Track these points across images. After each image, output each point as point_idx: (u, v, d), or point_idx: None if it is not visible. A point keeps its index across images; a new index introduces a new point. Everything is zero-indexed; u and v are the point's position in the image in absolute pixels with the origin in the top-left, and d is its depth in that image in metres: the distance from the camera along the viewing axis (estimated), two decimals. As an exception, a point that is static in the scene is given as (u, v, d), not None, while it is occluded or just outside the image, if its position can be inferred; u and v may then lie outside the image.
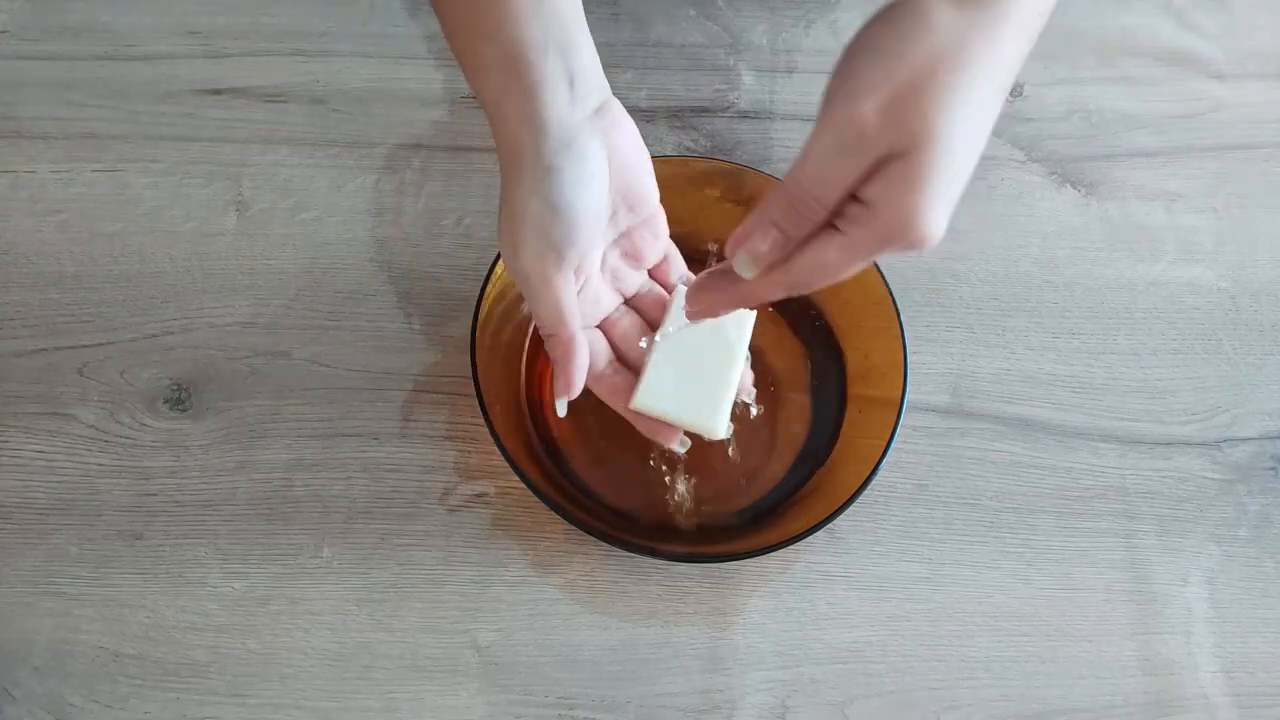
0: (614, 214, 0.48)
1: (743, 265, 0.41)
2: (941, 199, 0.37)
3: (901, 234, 0.37)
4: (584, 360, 0.49)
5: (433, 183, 0.65)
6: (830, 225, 0.39)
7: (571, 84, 0.45)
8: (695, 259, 0.56)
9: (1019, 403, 0.61)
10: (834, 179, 0.37)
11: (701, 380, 0.51)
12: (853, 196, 0.38)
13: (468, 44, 0.46)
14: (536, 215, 0.45)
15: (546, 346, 0.49)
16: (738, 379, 0.52)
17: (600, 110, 0.47)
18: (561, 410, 0.50)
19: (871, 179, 0.37)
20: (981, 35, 0.36)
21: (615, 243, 0.51)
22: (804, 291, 0.42)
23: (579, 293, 0.49)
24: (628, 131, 0.48)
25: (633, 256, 0.52)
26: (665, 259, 0.53)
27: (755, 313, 0.53)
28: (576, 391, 0.49)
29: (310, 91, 0.68)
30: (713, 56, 0.71)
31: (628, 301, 0.53)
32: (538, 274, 0.46)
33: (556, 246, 0.46)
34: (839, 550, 0.57)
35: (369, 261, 0.63)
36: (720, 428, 0.51)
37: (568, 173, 0.45)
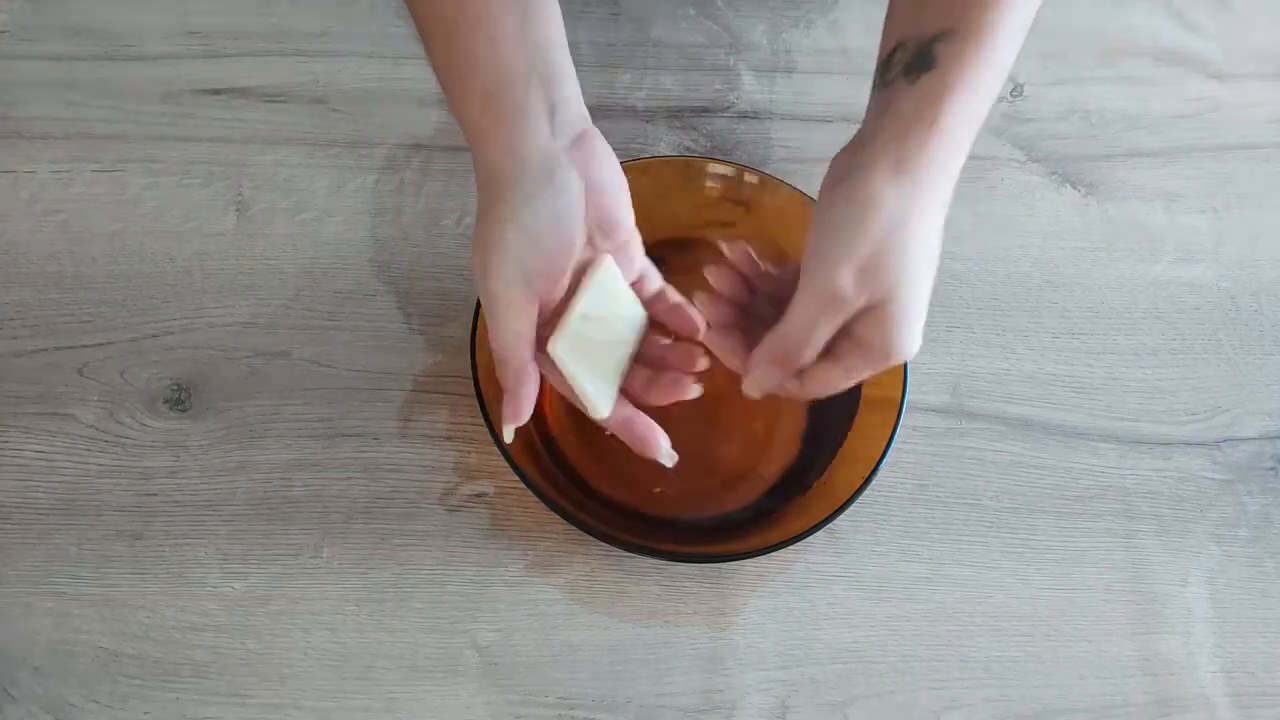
0: (589, 239, 0.49)
1: (751, 388, 0.50)
2: (915, 324, 0.47)
3: (890, 357, 0.47)
4: (534, 388, 0.48)
5: (433, 183, 0.65)
6: (826, 354, 0.48)
7: (552, 114, 0.46)
8: (693, 259, 0.56)
9: (1019, 403, 0.61)
10: (820, 334, 0.47)
11: (611, 353, 0.50)
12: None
13: (448, 64, 0.47)
14: (513, 242, 0.46)
15: (497, 372, 0.49)
16: (628, 362, 0.51)
17: (579, 140, 0.47)
18: (509, 436, 0.49)
19: (858, 321, 0.47)
20: (918, 204, 0.45)
21: None
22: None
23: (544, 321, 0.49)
24: (605, 161, 0.48)
25: None
26: (642, 278, 0.52)
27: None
28: (524, 418, 0.48)
29: (310, 91, 0.68)
30: (712, 56, 0.71)
31: None
32: (504, 299, 0.47)
33: (528, 274, 0.46)
34: (839, 550, 0.57)
35: (369, 261, 0.63)
36: (603, 408, 0.49)
37: (545, 203, 0.46)
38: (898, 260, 0.45)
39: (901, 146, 0.46)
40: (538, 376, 0.49)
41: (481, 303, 0.48)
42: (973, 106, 0.46)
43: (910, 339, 0.47)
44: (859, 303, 0.46)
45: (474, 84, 0.46)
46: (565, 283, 0.48)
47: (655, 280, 0.54)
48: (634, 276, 0.52)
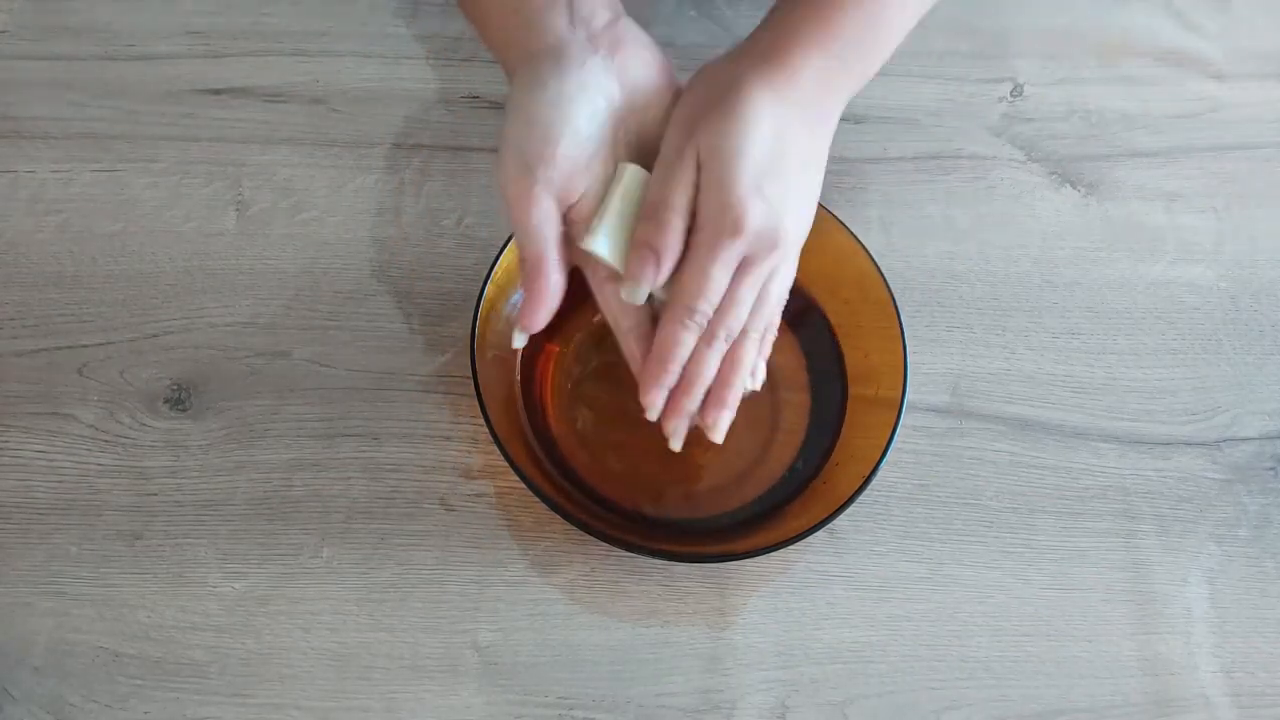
0: (619, 136, 0.48)
1: (632, 294, 0.47)
2: (743, 185, 0.45)
3: (724, 215, 0.45)
4: (553, 290, 0.47)
5: (433, 183, 0.65)
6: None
7: (571, 7, 0.46)
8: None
9: (1019, 403, 0.61)
10: (670, 196, 0.46)
11: None
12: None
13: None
14: (514, 132, 0.46)
15: (520, 273, 0.48)
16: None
17: (605, 28, 0.47)
18: (518, 342, 0.49)
19: (698, 198, 0.46)
20: (754, 77, 0.46)
21: None
22: (726, 329, 0.48)
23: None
24: (637, 52, 0.48)
25: None
26: None
27: None
28: (538, 324, 0.48)
29: (310, 91, 0.68)
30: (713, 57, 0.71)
31: None
32: (512, 191, 0.46)
33: (530, 162, 0.45)
34: (839, 550, 0.57)
35: (369, 261, 0.63)
36: (641, 296, 0.49)
37: (550, 88, 0.45)
38: (722, 122, 0.45)
39: (771, 52, 0.47)
40: (560, 279, 0.47)
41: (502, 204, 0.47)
42: (861, 28, 0.48)
43: (739, 198, 0.45)
44: (686, 161, 0.46)
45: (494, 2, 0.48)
46: (585, 178, 0.47)
47: None
48: None
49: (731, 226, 0.45)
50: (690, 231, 0.47)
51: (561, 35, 0.46)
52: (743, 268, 0.47)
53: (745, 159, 0.45)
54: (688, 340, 0.48)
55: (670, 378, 0.49)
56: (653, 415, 0.50)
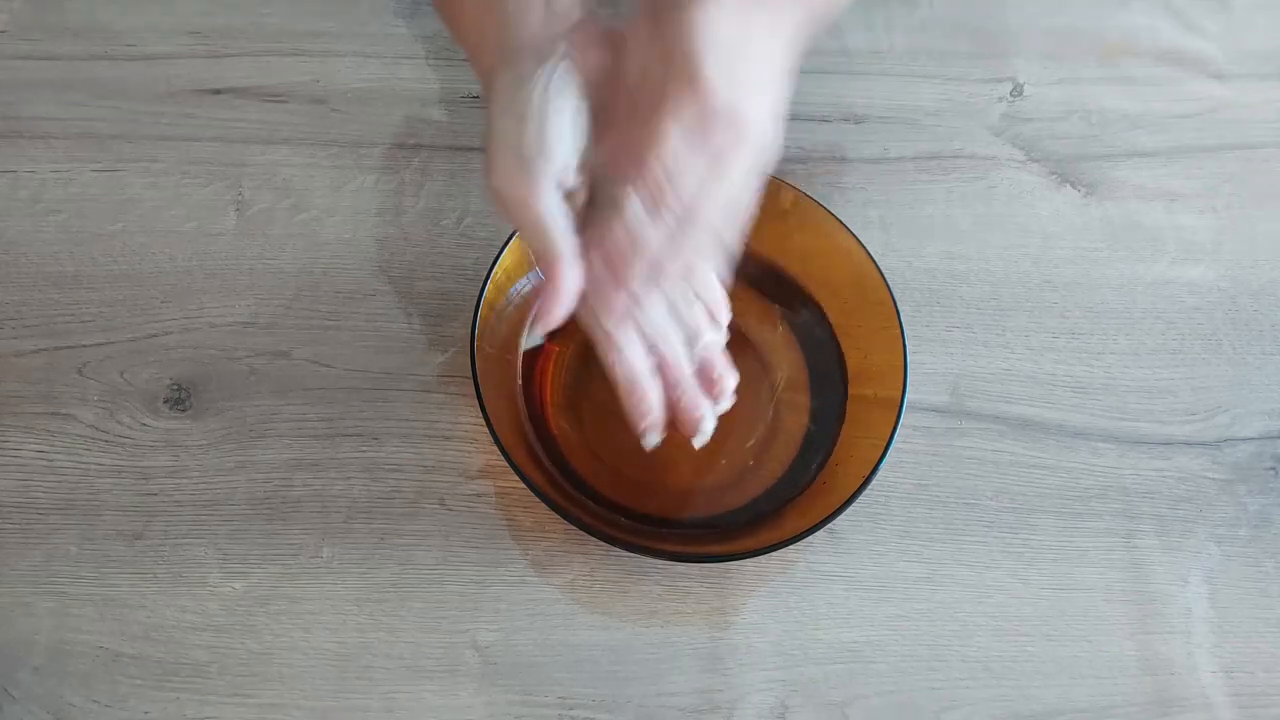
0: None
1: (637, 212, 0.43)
2: (707, 51, 0.40)
3: (673, 76, 0.41)
4: (570, 286, 0.45)
5: (433, 183, 0.65)
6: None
7: (548, 3, 0.46)
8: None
9: (1019, 403, 0.61)
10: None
11: None
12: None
13: None
14: (506, 130, 0.45)
15: (539, 269, 0.46)
16: None
17: (580, 24, 0.46)
18: (531, 341, 0.47)
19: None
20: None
21: None
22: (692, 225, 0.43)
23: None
24: (597, 54, 0.46)
25: None
26: None
27: None
28: (553, 323, 0.45)
29: (310, 91, 0.68)
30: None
31: None
32: (515, 189, 0.45)
33: (528, 157, 0.44)
34: (839, 550, 0.57)
35: (369, 261, 0.63)
36: None
37: (537, 83, 0.44)
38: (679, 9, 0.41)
39: None
40: (578, 271, 0.45)
41: (495, 208, 0.46)
42: None
43: (694, 52, 0.40)
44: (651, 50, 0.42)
45: None
46: (575, 173, 0.46)
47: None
48: None
49: (688, 82, 0.40)
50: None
51: (538, 33, 0.46)
52: (701, 147, 0.42)
53: (705, 28, 0.40)
54: (649, 234, 0.43)
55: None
56: (651, 431, 0.50)
